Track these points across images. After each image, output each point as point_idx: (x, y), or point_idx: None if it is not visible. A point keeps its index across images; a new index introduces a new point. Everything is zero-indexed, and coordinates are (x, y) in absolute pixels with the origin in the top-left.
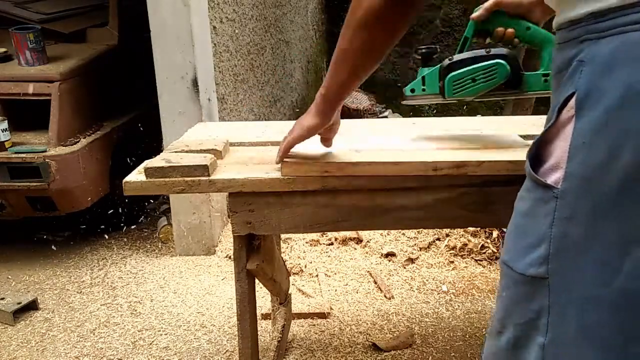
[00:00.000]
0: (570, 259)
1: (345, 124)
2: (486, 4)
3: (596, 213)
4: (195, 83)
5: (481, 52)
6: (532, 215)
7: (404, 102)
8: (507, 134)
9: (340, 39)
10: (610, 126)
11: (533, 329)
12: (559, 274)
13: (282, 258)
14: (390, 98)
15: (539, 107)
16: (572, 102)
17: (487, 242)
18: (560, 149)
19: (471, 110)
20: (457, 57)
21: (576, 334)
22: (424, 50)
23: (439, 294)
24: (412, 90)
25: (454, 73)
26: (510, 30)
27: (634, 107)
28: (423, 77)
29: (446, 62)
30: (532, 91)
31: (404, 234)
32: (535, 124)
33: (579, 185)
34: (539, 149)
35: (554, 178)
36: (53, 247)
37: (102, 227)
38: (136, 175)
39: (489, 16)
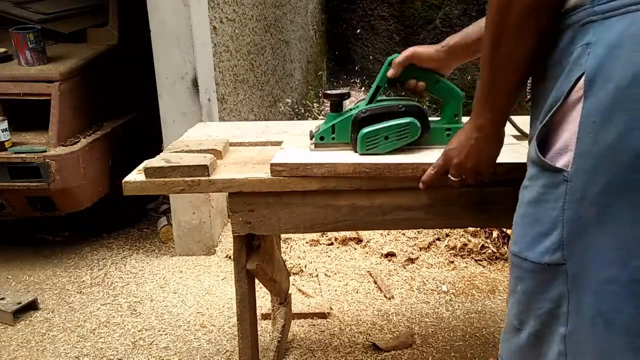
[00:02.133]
0: (585, 241)
1: None
2: (399, 59)
3: (608, 191)
4: (195, 83)
5: (394, 106)
6: (541, 202)
7: (310, 149)
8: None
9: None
10: (621, 104)
11: (554, 318)
12: (575, 257)
13: (282, 258)
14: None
15: None
16: (581, 83)
17: (487, 242)
18: (568, 132)
19: (470, 110)
20: (370, 109)
21: (594, 321)
22: (334, 97)
23: (439, 294)
24: (322, 138)
25: (367, 130)
26: (421, 82)
27: None
28: (333, 126)
29: (360, 114)
30: (434, 144)
31: (404, 234)
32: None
33: (590, 165)
34: (545, 135)
35: (563, 161)
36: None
37: (102, 227)
38: (136, 175)
39: (402, 70)
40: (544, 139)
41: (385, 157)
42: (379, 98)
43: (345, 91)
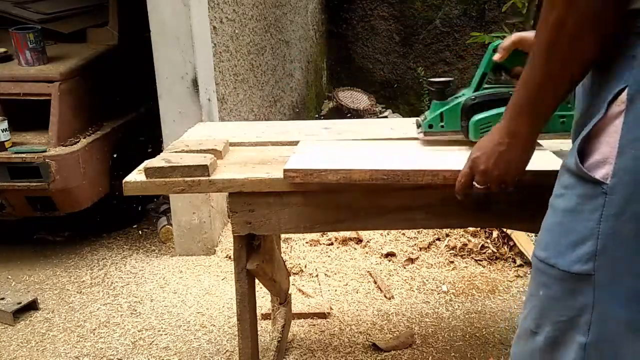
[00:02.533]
0: (619, 254)
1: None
2: (504, 44)
3: None
4: (195, 83)
5: (505, 93)
6: (577, 212)
7: (420, 137)
8: None
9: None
10: None
11: (573, 327)
12: (607, 270)
13: (282, 258)
14: (390, 98)
15: None
16: (623, 96)
17: (487, 242)
18: (607, 144)
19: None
20: (480, 96)
21: (624, 329)
22: (438, 84)
23: (439, 294)
24: (430, 126)
25: (480, 116)
26: None
27: None
28: (442, 114)
29: (469, 101)
30: (549, 132)
31: (404, 234)
32: None
33: (630, 181)
34: (585, 145)
35: (601, 173)
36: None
37: (102, 227)
38: (136, 175)
39: (508, 55)
40: (585, 149)
41: (402, 161)
42: (485, 86)
43: (450, 79)
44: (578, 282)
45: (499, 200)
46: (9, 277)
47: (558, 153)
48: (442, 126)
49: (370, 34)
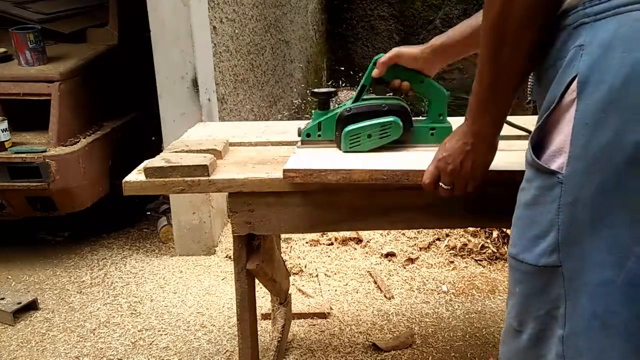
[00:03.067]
0: (580, 243)
1: None
2: (383, 59)
3: (602, 193)
4: (195, 83)
5: (378, 105)
6: (537, 204)
7: (297, 147)
8: None
9: None
10: (614, 105)
11: (552, 320)
12: (571, 259)
13: (282, 258)
14: None
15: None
16: (574, 85)
17: (487, 242)
18: (562, 134)
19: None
20: (354, 108)
21: (590, 323)
22: (321, 94)
23: (439, 294)
24: (308, 135)
25: (351, 127)
26: (405, 82)
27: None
28: (319, 123)
29: (344, 113)
30: (419, 144)
31: (404, 234)
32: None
33: (583, 167)
34: (540, 137)
35: (557, 164)
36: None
37: (102, 227)
38: (136, 175)
39: (386, 70)
40: (540, 142)
41: (401, 162)
42: (365, 97)
43: (332, 90)
44: (548, 274)
45: (499, 200)
46: (9, 277)
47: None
48: (319, 135)
49: (370, 34)
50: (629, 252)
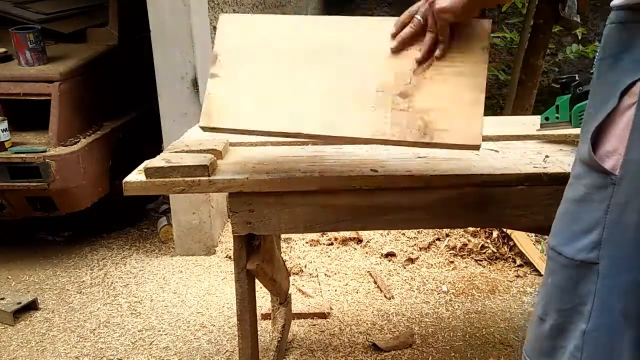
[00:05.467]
0: (622, 245)
1: None
2: None
3: None
4: (195, 83)
5: None
6: (585, 201)
7: (538, 131)
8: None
9: None
10: None
11: (577, 314)
12: (610, 258)
13: (282, 258)
14: None
15: (539, 107)
16: (635, 88)
17: (487, 242)
18: (617, 136)
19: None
20: (587, 87)
21: (618, 320)
22: (563, 80)
23: (439, 294)
24: (547, 119)
25: (581, 103)
26: None
27: None
28: (557, 106)
29: (577, 92)
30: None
31: (404, 234)
32: (536, 124)
33: (638, 172)
34: (597, 135)
35: (610, 164)
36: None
37: (102, 227)
38: (136, 176)
39: None
40: (596, 139)
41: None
42: None
43: (574, 75)
44: (583, 270)
45: (499, 201)
46: (9, 277)
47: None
48: (557, 117)
49: None
50: None
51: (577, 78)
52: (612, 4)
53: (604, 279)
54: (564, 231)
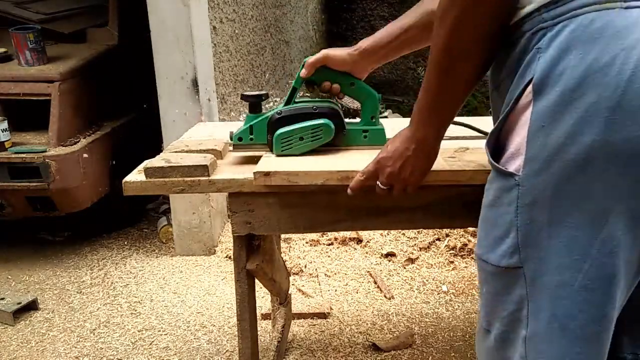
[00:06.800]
0: (539, 245)
1: None
2: (311, 60)
3: (559, 194)
4: (195, 83)
5: (308, 108)
6: (497, 206)
7: (230, 150)
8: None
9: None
10: (569, 106)
11: (516, 321)
12: (532, 261)
13: (282, 258)
14: (390, 98)
15: None
16: (530, 88)
17: None
18: (519, 136)
19: (470, 109)
20: (285, 111)
21: (550, 325)
22: (252, 97)
23: (439, 294)
24: (240, 139)
25: (282, 130)
26: (335, 85)
27: (595, 86)
28: (251, 127)
29: (275, 116)
30: (351, 145)
31: (404, 234)
32: None
33: (540, 168)
34: (499, 139)
35: (514, 166)
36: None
37: (102, 227)
38: (136, 175)
39: (314, 71)
40: (498, 144)
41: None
42: (297, 100)
43: (263, 92)
44: (510, 276)
45: None
46: (9, 277)
47: None
48: (251, 139)
49: (370, 34)
50: (587, 254)
51: (265, 97)
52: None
53: (532, 282)
54: (485, 238)
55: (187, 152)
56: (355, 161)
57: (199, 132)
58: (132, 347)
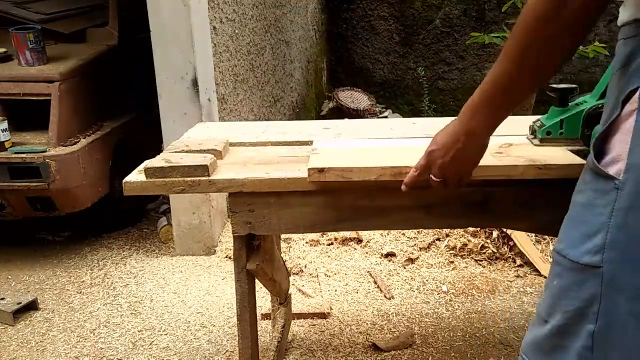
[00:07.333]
0: (626, 248)
1: (346, 124)
2: None
3: None
4: (195, 83)
5: None
6: (591, 206)
7: (535, 143)
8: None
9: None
10: None
11: (582, 316)
12: (614, 262)
13: (282, 258)
14: (390, 98)
15: (539, 107)
16: (636, 96)
17: (487, 242)
18: (621, 142)
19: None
20: (586, 99)
21: (626, 320)
22: (561, 90)
23: (439, 294)
24: (549, 133)
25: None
26: None
27: None
28: (561, 121)
29: (594, 110)
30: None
31: (404, 234)
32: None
33: None
34: (602, 143)
35: (615, 169)
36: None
37: (102, 227)
38: (136, 176)
39: None
40: (601, 147)
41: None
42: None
43: (573, 86)
44: (587, 273)
45: (499, 201)
46: (9, 277)
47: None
48: (561, 133)
49: (370, 34)
50: None
51: (576, 91)
52: (618, 22)
53: (609, 281)
54: (569, 235)
55: (187, 152)
56: (405, 155)
57: (199, 132)
58: (132, 347)
